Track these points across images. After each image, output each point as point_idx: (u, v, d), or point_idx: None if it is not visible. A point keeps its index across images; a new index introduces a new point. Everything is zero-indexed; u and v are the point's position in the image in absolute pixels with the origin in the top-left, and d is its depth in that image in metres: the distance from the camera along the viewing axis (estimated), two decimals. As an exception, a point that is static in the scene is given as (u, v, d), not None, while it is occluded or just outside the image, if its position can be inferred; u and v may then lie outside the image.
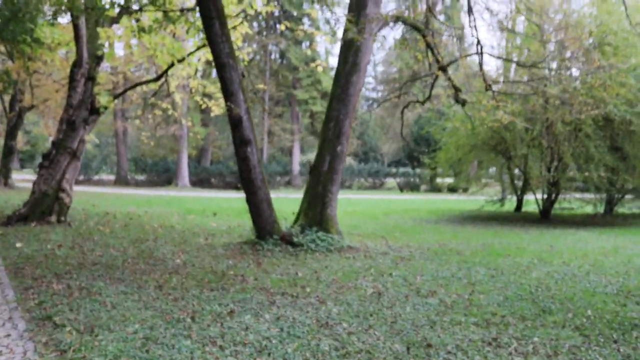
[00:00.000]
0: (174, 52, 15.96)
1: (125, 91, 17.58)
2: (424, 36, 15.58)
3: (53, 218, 14.88)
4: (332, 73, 50.21)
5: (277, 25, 45.29)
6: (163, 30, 15.54)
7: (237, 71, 11.28)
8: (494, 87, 16.64)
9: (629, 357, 5.69)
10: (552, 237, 15.89)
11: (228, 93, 11.27)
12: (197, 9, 12.06)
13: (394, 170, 50.00)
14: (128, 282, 8.30)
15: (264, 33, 44.25)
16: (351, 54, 12.86)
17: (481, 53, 15.94)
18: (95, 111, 16.00)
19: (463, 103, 16.54)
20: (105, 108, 16.21)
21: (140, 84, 17.21)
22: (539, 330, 6.52)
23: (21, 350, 5.37)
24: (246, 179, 11.71)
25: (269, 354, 5.41)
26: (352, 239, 13.60)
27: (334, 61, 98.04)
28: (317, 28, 42.78)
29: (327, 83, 43.44)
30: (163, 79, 17.47)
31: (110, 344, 5.46)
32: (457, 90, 16.14)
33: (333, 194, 12.76)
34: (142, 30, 15.90)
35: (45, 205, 14.95)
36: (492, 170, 25.62)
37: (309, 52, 41.41)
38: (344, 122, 12.75)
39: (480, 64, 16.06)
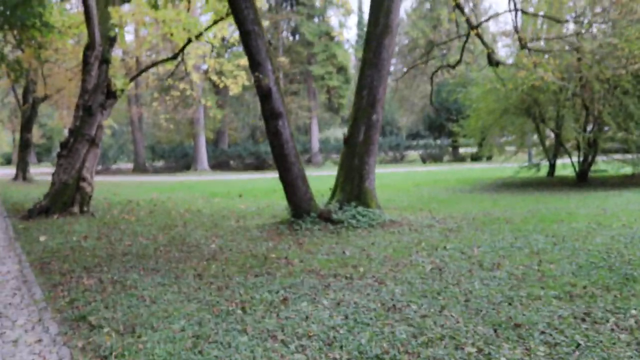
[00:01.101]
0: (190, 27, 15.16)
1: (141, 72, 16.81)
2: (453, -5, 14.71)
3: (75, 209, 14.23)
4: (347, 46, 49.23)
5: (288, 2, 44.30)
6: (178, 2, 14.78)
7: (264, 39, 10.47)
8: (529, 46, 15.72)
9: None
10: (598, 200, 15.03)
11: (255, 63, 10.46)
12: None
13: (414, 142, 49.07)
14: (164, 272, 7.61)
15: (275, 10, 43.23)
16: (382, 14, 11.96)
17: (515, 10, 15.04)
18: (112, 95, 15.25)
19: (497, 64, 15.67)
20: (122, 91, 15.47)
21: (157, 63, 16.43)
22: (633, 301, 5.75)
23: (55, 357, 4.70)
24: (279, 154, 10.95)
25: (341, 347, 4.68)
26: (392, 213, 12.83)
27: (348, 34, 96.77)
28: (330, 1, 41.73)
29: (343, 57, 42.50)
30: (180, 58, 16.70)
31: (157, 345, 4.76)
32: (490, 52, 15.27)
33: (370, 165, 11.95)
34: (154, 6, 15.18)
35: (67, 196, 14.30)
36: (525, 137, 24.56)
37: (322, 27, 40.53)
38: (378, 89, 11.90)
39: (515, 22, 15.18)
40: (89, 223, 12.74)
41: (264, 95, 10.60)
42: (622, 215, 11.85)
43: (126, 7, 16.36)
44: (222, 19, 15.27)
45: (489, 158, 41.40)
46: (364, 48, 12.36)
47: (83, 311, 5.80)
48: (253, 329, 5.16)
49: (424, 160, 44.69)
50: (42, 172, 36.92)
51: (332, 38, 42.18)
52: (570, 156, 21.23)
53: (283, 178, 11.19)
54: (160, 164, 43.85)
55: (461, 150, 46.10)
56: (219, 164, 42.56)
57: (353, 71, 45.61)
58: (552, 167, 23.81)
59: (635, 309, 5.50)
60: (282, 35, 44.67)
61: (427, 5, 47.05)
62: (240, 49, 40.99)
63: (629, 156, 21.39)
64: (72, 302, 6.19)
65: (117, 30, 15.68)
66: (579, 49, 16.67)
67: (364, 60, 12.22)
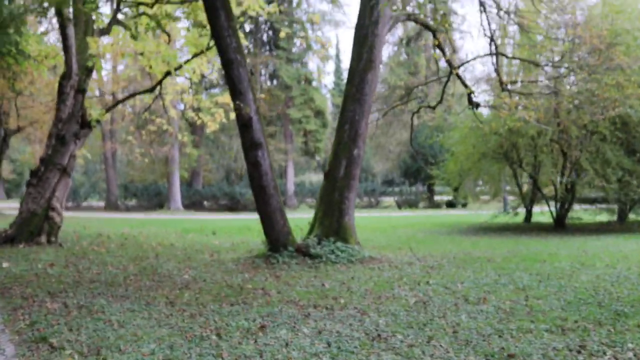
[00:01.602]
0: (170, 59, 14.96)
1: (118, 103, 16.50)
2: (434, 35, 14.75)
3: (43, 239, 13.67)
4: (324, 91, 49.55)
5: (266, 47, 44.54)
6: (158, 34, 14.60)
7: (246, 68, 10.27)
8: (509, 89, 15.75)
9: None
10: (578, 243, 14.90)
11: (236, 92, 10.23)
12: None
13: (389, 188, 49.03)
14: (133, 299, 7.18)
15: (254, 53, 43.41)
16: (365, 50, 11.89)
17: (497, 54, 15.13)
18: (86, 125, 14.90)
19: (477, 105, 15.67)
20: (98, 121, 15.13)
21: (134, 95, 16.16)
22: (628, 336, 5.50)
23: (11, 379, 4.26)
24: (257, 186, 10.64)
25: (325, 373, 4.33)
26: (371, 251, 12.50)
27: (326, 79, 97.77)
28: (309, 47, 42.04)
29: (320, 101, 42.62)
30: (157, 92, 16.44)
31: (124, 367, 4.36)
32: (470, 93, 15.28)
33: (350, 200, 11.69)
34: (133, 37, 14.99)
35: (34, 225, 13.76)
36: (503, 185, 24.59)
37: (301, 71, 40.71)
38: (360, 123, 11.74)
39: (496, 65, 15.25)
40: (56, 253, 12.20)
41: (244, 124, 10.35)
42: (604, 256, 11.70)
43: (105, 39, 16.13)
44: (202, 52, 15.11)
45: (464, 205, 41.43)
46: (346, 82, 12.25)
47: (44, 333, 5.37)
48: (229, 354, 4.79)
49: (399, 205, 44.55)
50: (11, 207, 35.94)
51: (310, 82, 42.36)
52: (547, 202, 21.22)
53: (261, 210, 10.86)
54: (132, 202, 43.06)
55: (437, 197, 46.12)
56: (192, 203, 41.93)
57: (330, 117, 45.78)
58: (529, 213, 23.77)
59: (631, 343, 5.25)
60: (260, 79, 44.78)
61: (404, 55, 47.75)
62: (218, 90, 41.02)
63: (603, 206, 21.55)
64: (32, 325, 5.75)
65: (95, 61, 15.44)
66: (558, 92, 16.79)
67: (347, 95, 12.09)
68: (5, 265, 9.99)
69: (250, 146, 10.43)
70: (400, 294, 7.63)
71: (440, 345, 5.16)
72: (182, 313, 6.37)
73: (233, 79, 10.19)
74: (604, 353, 4.96)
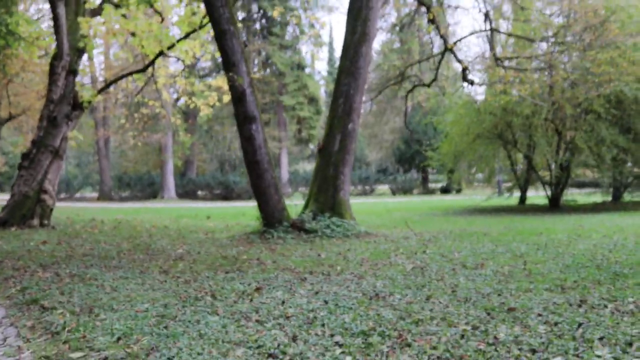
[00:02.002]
0: (162, 39, 14.77)
1: (110, 83, 16.26)
2: (429, 10, 14.65)
3: (35, 221, 13.54)
4: (318, 77, 49.36)
5: (259, 36, 44.26)
6: (151, 12, 14.40)
7: (239, 39, 10.13)
8: (503, 65, 15.67)
9: None
10: (574, 219, 14.87)
11: (230, 63, 10.09)
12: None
13: (383, 177, 48.98)
14: (127, 269, 7.07)
15: (246, 41, 43.17)
16: (359, 23, 11.75)
17: (491, 30, 15.02)
18: (78, 106, 14.73)
19: (471, 82, 15.59)
20: (89, 103, 14.94)
21: (127, 75, 15.93)
22: (628, 292, 5.43)
23: (0, 336, 4.14)
24: (251, 161, 10.53)
25: (323, 325, 4.23)
26: (367, 228, 12.43)
27: (319, 66, 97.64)
28: (302, 32, 41.82)
29: (314, 88, 42.45)
30: (150, 73, 16.26)
31: (117, 322, 4.26)
32: (465, 68, 15.20)
33: (345, 175, 11.58)
34: (124, 16, 14.81)
35: (26, 208, 13.62)
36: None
37: (294, 58, 40.50)
38: (354, 97, 11.62)
39: (491, 40, 15.16)
40: (48, 234, 12.07)
41: (238, 97, 10.22)
42: (600, 229, 11.66)
43: (97, 19, 15.92)
44: (194, 30, 14.94)
45: (459, 191, 41.48)
46: (341, 56, 12.11)
47: (35, 296, 5.26)
48: (224, 311, 4.69)
49: (393, 192, 44.54)
50: (3, 199, 35.73)
51: (303, 69, 42.17)
52: (542, 183, 21.19)
53: (255, 185, 10.75)
54: (126, 193, 42.85)
55: (431, 184, 46.16)
56: (186, 192, 41.78)
57: (324, 106, 45.63)
58: (524, 194, 23.77)
59: (632, 297, 5.17)
60: (253, 67, 44.56)
61: (397, 44, 47.65)
62: (211, 79, 40.72)
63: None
64: (23, 290, 5.63)
65: (86, 41, 15.26)
66: (552, 66, 16.70)
67: (341, 68, 11.96)
68: (-4, 243, 9.87)
69: (244, 119, 10.30)
70: (397, 262, 7.55)
71: (440, 302, 5.07)
72: (177, 279, 6.27)
73: (226, 50, 10.05)
74: (605, 306, 4.88)
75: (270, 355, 3.58)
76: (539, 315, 4.57)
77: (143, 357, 3.53)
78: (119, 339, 3.89)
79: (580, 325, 4.24)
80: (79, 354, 3.62)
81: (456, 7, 17.53)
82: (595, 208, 20.18)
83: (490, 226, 13.45)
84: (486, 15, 14.52)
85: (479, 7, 14.39)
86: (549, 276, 6.33)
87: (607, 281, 6.01)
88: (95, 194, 45.40)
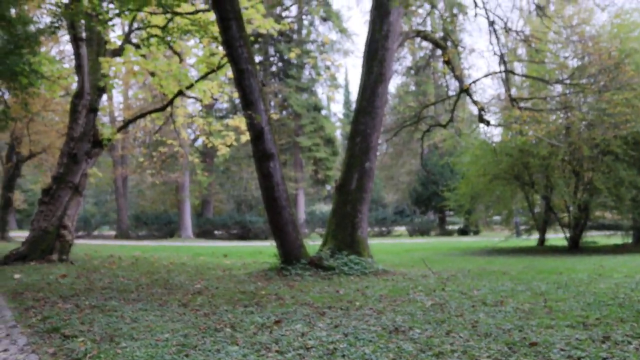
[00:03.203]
0: (181, 78, 15.06)
1: (129, 122, 16.59)
2: (444, 53, 14.81)
3: (54, 256, 13.64)
4: (334, 119, 49.71)
5: (276, 78, 44.82)
6: (170, 54, 14.69)
7: (257, 78, 10.30)
8: (519, 105, 15.73)
9: None
10: (594, 260, 14.68)
11: (248, 102, 10.24)
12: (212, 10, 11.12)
13: (400, 218, 48.81)
14: (146, 301, 7.09)
15: (262, 83, 43.68)
16: (376, 64, 11.93)
17: (506, 71, 15.13)
18: (98, 144, 14.97)
19: (488, 123, 15.64)
20: (109, 140, 15.18)
21: (146, 114, 16.20)
22: (652, 330, 5.34)
23: (23, 363, 4.18)
24: (269, 197, 10.58)
25: (343, 356, 4.22)
26: (385, 266, 12.36)
27: (335, 108, 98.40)
28: (318, 74, 42.33)
29: (330, 129, 42.74)
30: (168, 112, 16.53)
31: (137, 350, 4.27)
32: (481, 109, 15.27)
33: (363, 214, 11.59)
34: (144, 56, 15.13)
35: (46, 244, 13.74)
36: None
37: (310, 100, 40.90)
38: (371, 137, 11.71)
39: (506, 82, 15.25)
40: (68, 268, 12.14)
41: (256, 135, 10.33)
42: (621, 269, 11.51)
43: (117, 59, 16.29)
44: (213, 71, 15.21)
45: (476, 233, 41.19)
46: (357, 96, 12.26)
47: (56, 325, 5.29)
48: (244, 342, 4.69)
49: (410, 234, 44.33)
50: (22, 236, 35.97)
51: (319, 110, 42.55)
52: (560, 222, 21.00)
53: (273, 222, 10.78)
54: (143, 232, 43.03)
55: (448, 226, 45.92)
56: (203, 232, 41.87)
57: (340, 147, 45.92)
58: (543, 235, 23.56)
59: (657, 336, 5.09)
60: (270, 108, 45.03)
61: (413, 87, 48.13)
62: (228, 119, 41.17)
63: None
64: (44, 320, 5.67)
65: (111, 80, 15.60)
66: (568, 107, 16.73)
67: (358, 108, 12.09)
68: (17, 276, 9.94)
69: (262, 157, 10.39)
70: (416, 298, 7.50)
71: (460, 336, 5.03)
72: (196, 312, 6.28)
73: (244, 89, 10.21)
74: (629, 343, 4.81)
75: (291, 383, 3.57)
76: (562, 350, 4.52)
77: (165, 383, 3.54)
78: (140, 365, 3.90)
79: None
80: (101, 380, 3.63)
81: (472, 50, 17.68)
82: (616, 249, 19.93)
83: (509, 266, 13.33)
84: (501, 57, 14.63)
85: (493, 50, 14.53)
86: (570, 313, 6.26)
87: (630, 319, 5.92)
88: (112, 232, 45.64)
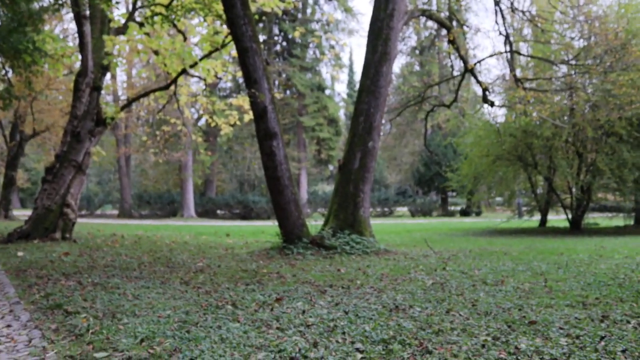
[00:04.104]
0: (185, 57, 15.00)
1: (132, 101, 16.50)
2: (449, 32, 14.72)
3: (57, 235, 13.70)
4: (337, 99, 49.56)
5: (279, 57, 44.59)
6: (173, 32, 14.62)
7: (261, 56, 10.26)
8: (524, 86, 15.66)
9: None
10: (596, 241, 14.71)
11: (251, 80, 10.21)
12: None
13: (402, 199, 48.85)
14: (148, 279, 7.14)
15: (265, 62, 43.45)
16: (380, 42, 11.85)
17: (511, 51, 15.04)
18: (101, 122, 14.95)
19: (492, 104, 15.58)
20: (112, 119, 15.16)
21: (149, 92, 16.14)
22: (652, 309, 5.36)
23: (25, 338, 4.23)
24: (272, 177, 10.59)
25: (343, 333, 4.25)
26: (386, 246, 12.40)
27: (339, 87, 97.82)
28: (322, 53, 42.13)
29: (334, 109, 42.63)
30: (172, 91, 16.49)
31: (139, 326, 4.31)
32: (485, 89, 15.21)
33: (365, 193, 11.60)
34: (147, 34, 15.06)
35: (49, 222, 13.78)
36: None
37: (314, 79, 40.74)
38: (374, 116, 11.68)
39: (511, 62, 15.17)
40: (70, 246, 12.20)
41: (259, 113, 10.32)
42: (622, 250, 11.53)
43: (121, 37, 16.23)
44: (217, 49, 15.15)
45: (478, 214, 41.21)
46: (361, 75, 12.20)
47: (59, 302, 5.33)
48: (246, 319, 4.73)
49: (412, 214, 44.38)
50: (25, 215, 36.12)
51: (323, 90, 42.41)
52: (562, 203, 21.00)
53: (275, 201, 10.81)
54: (146, 211, 43.14)
55: (450, 207, 45.93)
56: (205, 211, 41.96)
57: (344, 127, 45.82)
58: (544, 216, 23.57)
59: (656, 315, 5.12)
60: (274, 87, 44.87)
61: (417, 67, 47.88)
62: (232, 99, 41.05)
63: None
64: (47, 296, 5.72)
65: (115, 58, 15.55)
66: (573, 88, 16.64)
67: (362, 87, 12.04)
68: (20, 254, 10.01)
69: (265, 136, 10.39)
70: (417, 277, 7.54)
71: (460, 315, 5.06)
72: (197, 290, 6.32)
73: (248, 67, 10.18)
74: (628, 322, 4.84)
75: (292, 358, 3.60)
76: (561, 328, 4.55)
77: (166, 357, 3.58)
78: (142, 341, 3.94)
79: (602, 338, 4.22)
80: (102, 354, 3.67)
81: (477, 30, 17.55)
82: (617, 231, 19.95)
83: (510, 246, 13.36)
84: (506, 37, 14.55)
85: (499, 30, 14.44)
86: (570, 293, 6.28)
87: (629, 299, 5.95)
88: (115, 212, 45.81)
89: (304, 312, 5.03)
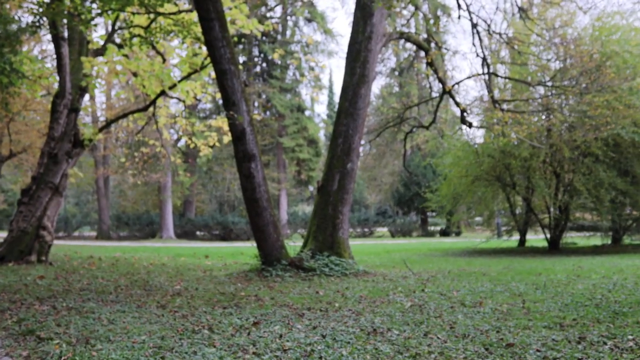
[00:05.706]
0: (164, 78, 14.96)
1: (111, 122, 16.44)
2: (427, 54, 14.86)
3: (33, 257, 13.48)
4: (317, 120, 49.73)
5: (259, 79, 44.68)
6: (153, 54, 14.60)
7: (239, 78, 10.27)
8: (501, 107, 15.83)
9: None
10: (574, 261, 14.80)
11: (230, 102, 10.21)
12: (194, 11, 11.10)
13: (382, 219, 48.93)
14: (124, 303, 7.04)
15: (245, 83, 43.53)
16: (358, 65, 11.95)
17: (489, 73, 15.22)
18: (79, 144, 14.83)
19: (470, 125, 15.73)
20: (90, 140, 15.05)
21: (128, 113, 16.06)
22: (627, 330, 5.41)
23: (-4, 366, 4.13)
24: (250, 198, 10.55)
25: (320, 357, 4.22)
26: (365, 268, 12.38)
27: (319, 108, 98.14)
28: (302, 75, 42.31)
29: (314, 130, 42.74)
30: (151, 112, 16.41)
31: (113, 352, 4.24)
32: (463, 110, 15.35)
33: (344, 215, 11.61)
34: (126, 56, 15.03)
35: (24, 244, 13.56)
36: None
37: (294, 100, 40.88)
38: (353, 138, 11.73)
39: (488, 83, 15.34)
40: (46, 270, 12.01)
41: (238, 135, 10.31)
42: (599, 270, 11.62)
43: (100, 59, 16.16)
44: (196, 71, 15.14)
45: (458, 234, 41.39)
46: (340, 97, 12.26)
47: (32, 327, 5.23)
48: (222, 344, 4.67)
49: (392, 234, 44.44)
50: (0, 237, 35.60)
51: (303, 111, 42.54)
52: (541, 224, 21.16)
53: (254, 223, 10.76)
54: (125, 232, 42.72)
55: (430, 227, 46.08)
56: (185, 233, 41.64)
57: (323, 148, 45.92)
58: (523, 236, 23.73)
59: (631, 335, 5.15)
60: (253, 109, 44.89)
61: (396, 88, 48.26)
62: (211, 120, 41.01)
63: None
64: (19, 322, 5.61)
65: (94, 80, 15.47)
66: (550, 109, 16.88)
67: (340, 109, 12.10)
68: (-7, 277, 9.83)
69: (244, 157, 10.37)
70: (396, 299, 7.53)
71: (438, 337, 5.06)
72: (174, 314, 6.25)
73: (226, 89, 10.18)
74: (604, 343, 4.87)
75: (267, 385, 3.56)
76: (538, 351, 4.56)
77: (139, 385, 3.51)
78: (115, 368, 3.88)
79: (579, 360, 4.23)
80: (74, 383, 3.60)
81: (455, 52, 17.77)
82: (594, 250, 20.13)
83: (489, 266, 13.40)
84: (484, 59, 14.73)
85: (476, 52, 14.63)
86: (547, 314, 6.32)
87: (606, 319, 5.99)
88: (93, 233, 45.28)
89: (281, 336, 4.99)
